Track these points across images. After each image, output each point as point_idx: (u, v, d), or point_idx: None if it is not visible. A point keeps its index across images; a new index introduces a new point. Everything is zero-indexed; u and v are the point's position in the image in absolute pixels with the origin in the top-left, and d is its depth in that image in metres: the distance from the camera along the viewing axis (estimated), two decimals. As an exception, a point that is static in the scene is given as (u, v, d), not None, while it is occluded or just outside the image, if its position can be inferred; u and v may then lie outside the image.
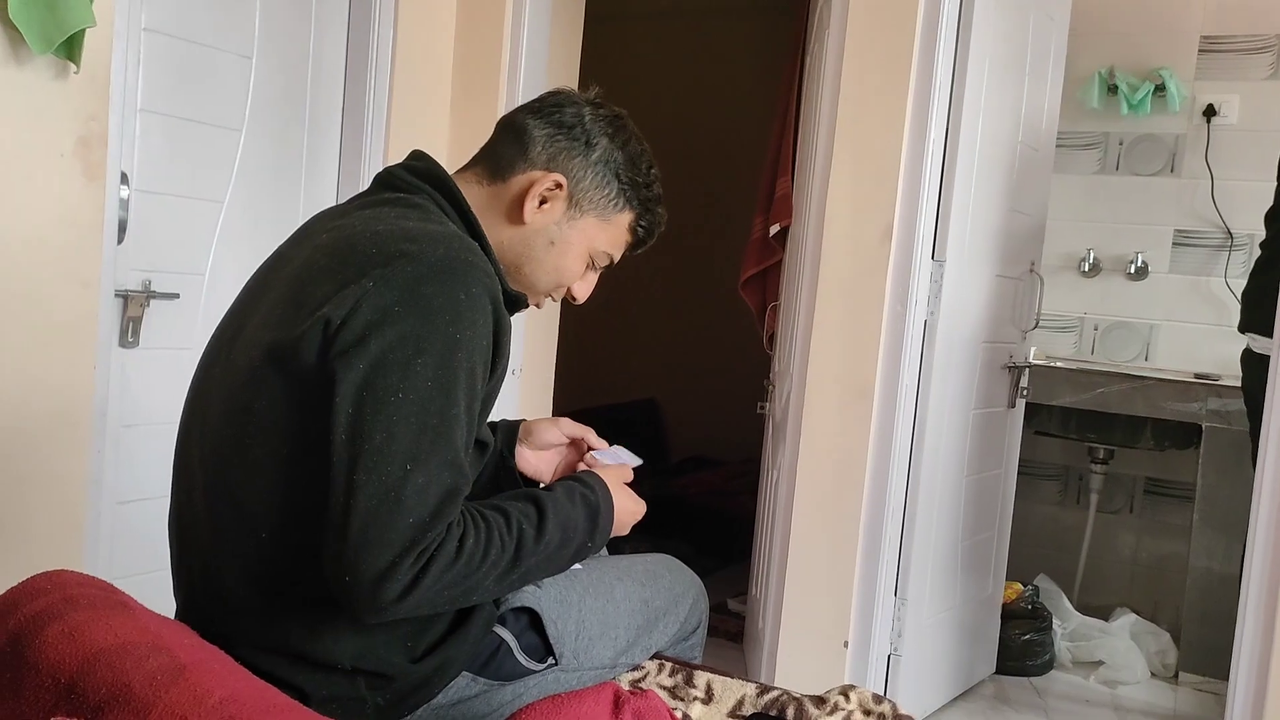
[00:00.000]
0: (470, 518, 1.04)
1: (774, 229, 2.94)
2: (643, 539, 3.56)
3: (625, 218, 1.25)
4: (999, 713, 2.76)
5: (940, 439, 2.50)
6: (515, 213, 1.21)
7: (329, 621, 1.07)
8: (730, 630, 3.09)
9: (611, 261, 1.30)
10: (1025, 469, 3.11)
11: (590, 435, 1.43)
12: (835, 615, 2.44)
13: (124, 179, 1.99)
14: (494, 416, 1.41)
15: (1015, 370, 2.84)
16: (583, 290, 1.30)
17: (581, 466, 1.41)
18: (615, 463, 1.38)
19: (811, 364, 2.46)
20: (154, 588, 1.24)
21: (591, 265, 1.28)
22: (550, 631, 1.25)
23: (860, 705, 1.30)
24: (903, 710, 1.29)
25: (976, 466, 2.72)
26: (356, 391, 0.98)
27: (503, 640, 1.22)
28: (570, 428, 1.43)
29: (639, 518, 1.30)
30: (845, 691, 1.32)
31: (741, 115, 4.49)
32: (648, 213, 1.27)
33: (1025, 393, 2.89)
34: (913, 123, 2.35)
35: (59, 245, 1.80)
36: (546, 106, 1.24)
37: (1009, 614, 3.01)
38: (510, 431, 1.42)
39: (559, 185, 1.20)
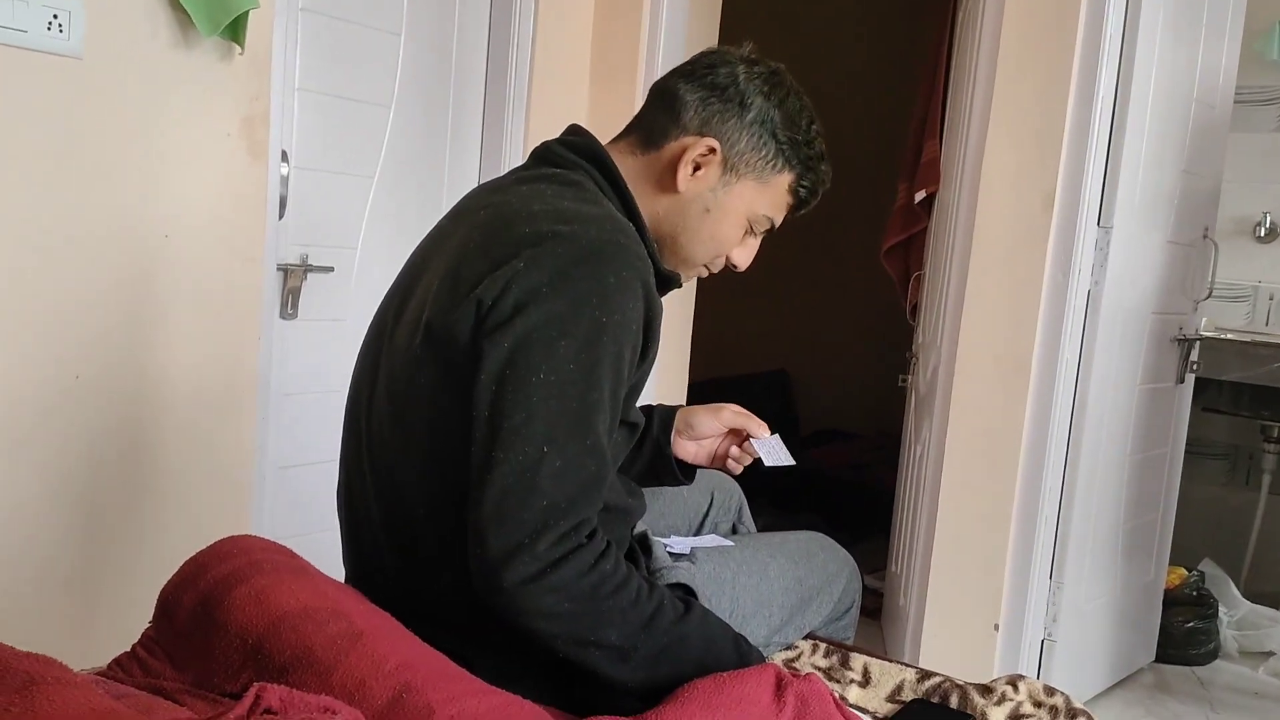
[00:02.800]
0: (615, 551, 1.01)
1: (920, 195, 2.84)
2: (774, 513, 3.55)
3: (785, 179, 1.20)
4: (1159, 703, 2.62)
5: (1102, 416, 2.38)
6: (669, 181, 1.17)
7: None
8: (867, 606, 3.01)
9: (773, 226, 1.24)
10: (1192, 448, 2.93)
11: (752, 424, 1.37)
12: (985, 596, 2.36)
13: (284, 157, 2.06)
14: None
15: (1185, 343, 2.67)
16: (743, 257, 1.25)
17: (735, 453, 1.37)
18: (771, 456, 1.33)
19: (963, 336, 2.36)
20: (316, 550, 1.28)
21: (751, 231, 1.23)
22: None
23: (1030, 696, 1.24)
24: (1076, 703, 1.23)
25: (1140, 445, 2.57)
26: (499, 369, 0.98)
27: (659, 615, 1.21)
28: (731, 418, 1.38)
29: None
30: (1013, 681, 1.26)
31: (883, 77, 4.35)
32: (809, 172, 1.21)
33: (1195, 367, 2.72)
34: (1079, 81, 2.21)
35: (226, 222, 1.87)
36: (699, 69, 1.20)
37: (1172, 600, 2.86)
38: (667, 419, 1.38)
39: (712, 150, 1.16)
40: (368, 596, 1.07)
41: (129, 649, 0.97)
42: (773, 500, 3.82)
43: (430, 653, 0.97)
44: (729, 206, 1.19)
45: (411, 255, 1.21)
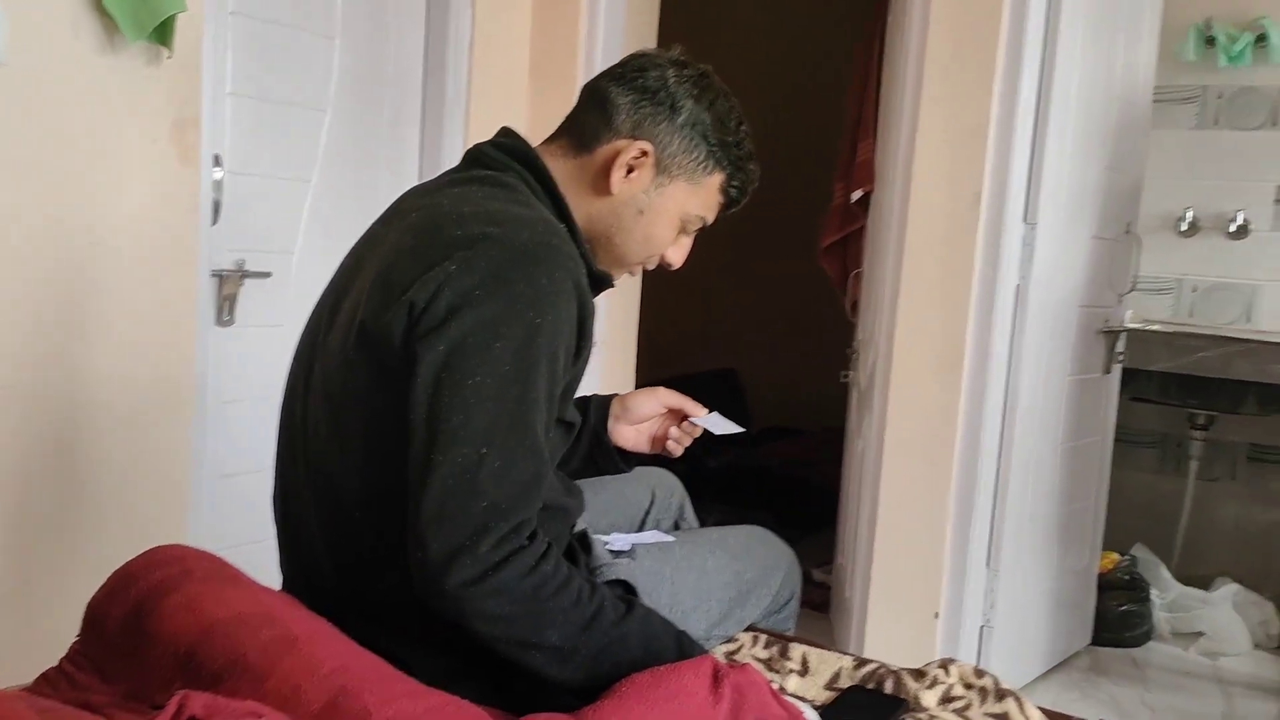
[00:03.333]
0: (556, 552, 1.02)
1: (856, 195, 2.88)
2: (725, 509, 3.58)
3: (716, 179, 1.22)
4: (1095, 685, 2.70)
5: (1034, 406, 2.44)
6: (602, 183, 1.19)
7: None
8: (815, 600, 3.07)
9: (705, 224, 1.26)
10: (1122, 436, 3.01)
11: (689, 404, 1.40)
12: (926, 586, 2.41)
13: (216, 161, 2.04)
14: (578, 390, 1.40)
15: (1111, 335, 2.75)
16: (677, 256, 1.27)
17: (675, 433, 1.40)
18: (718, 428, 1.35)
19: (899, 331, 2.41)
20: (255, 559, 1.27)
21: (684, 230, 1.25)
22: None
23: (961, 679, 1.28)
24: (1005, 683, 1.27)
25: (1071, 434, 2.64)
26: (435, 373, 0.98)
27: (598, 614, 1.22)
28: (669, 397, 1.41)
29: None
30: (945, 665, 1.29)
31: (822, 77, 4.41)
32: (739, 172, 1.23)
33: (1121, 358, 2.80)
34: (1004, 81, 2.27)
35: (157, 228, 1.85)
36: (629, 71, 1.21)
37: (1106, 584, 2.94)
38: (604, 407, 1.40)
39: (645, 153, 1.18)
40: (305, 602, 1.07)
41: (57, 664, 0.96)
42: (723, 497, 3.86)
43: (367, 656, 0.97)
44: (662, 208, 1.21)
45: (345, 258, 1.21)
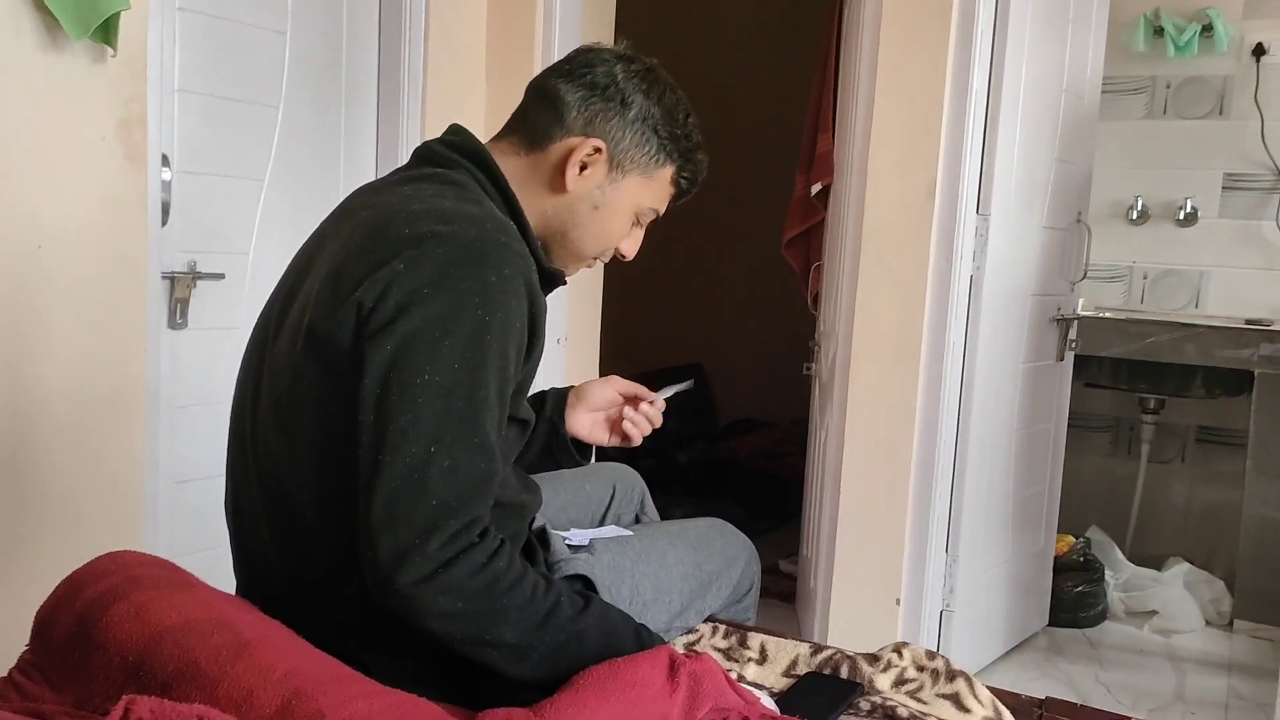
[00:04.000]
0: (509, 549, 1.02)
1: (816, 188, 2.91)
2: (693, 503, 3.59)
3: (667, 171, 1.23)
4: (1052, 665, 2.74)
5: (989, 394, 2.48)
6: (557, 181, 1.19)
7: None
8: (782, 591, 3.10)
9: (657, 215, 1.28)
10: (1075, 421, 3.06)
11: (642, 391, 1.41)
12: (887, 573, 2.44)
13: (165, 161, 2.01)
14: (542, 388, 1.41)
15: (1064, 323, 2.79)
16: (630, 247, 1.28)
17: (629, 414, 1.39)
18: (666, 394, 1.36)
19: (857, 323, 2.43)
20: (213, 565, 1.26)
21: (637, 222, 1.26)
22: (603, 598, 1.25)
23: (914, 661, 1.30)
24: (956, 665, 1.29)
25: (1026, 420, 2.68)
26: (383, 372, 0.98)
27: (557, 608, 1.22)
28: (623, 385, 1.42)
29: None
30: (898, 649, 1.31)
31: (783, 72, 4.42)
32: (689, 163, 1.25)
33: (1074, 345, 2.85)
34: (954, 75, 2.30)
35: (104, 229, 1.82)
36: (577, 68, 1.22)
37: (1061, 567, 2.99)
38: (560, 398, 1.41)
39: (599, 150, 1.18)
40: (260, 606, 1.06)
41: (6, 674, 0.95)
42: (692, 492, 3.88)
43: (322, 658, 0.97)
44: (616, 202, 1.22)
45: (294, 258, 1.20)
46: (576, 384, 1.45)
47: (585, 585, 1.27)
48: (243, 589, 1.17)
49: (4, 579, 1.71)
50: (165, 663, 0.86)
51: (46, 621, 0.93)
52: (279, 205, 2.30)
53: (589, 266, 1.31)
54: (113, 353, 1.85)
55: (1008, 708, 1.24)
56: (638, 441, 1.43)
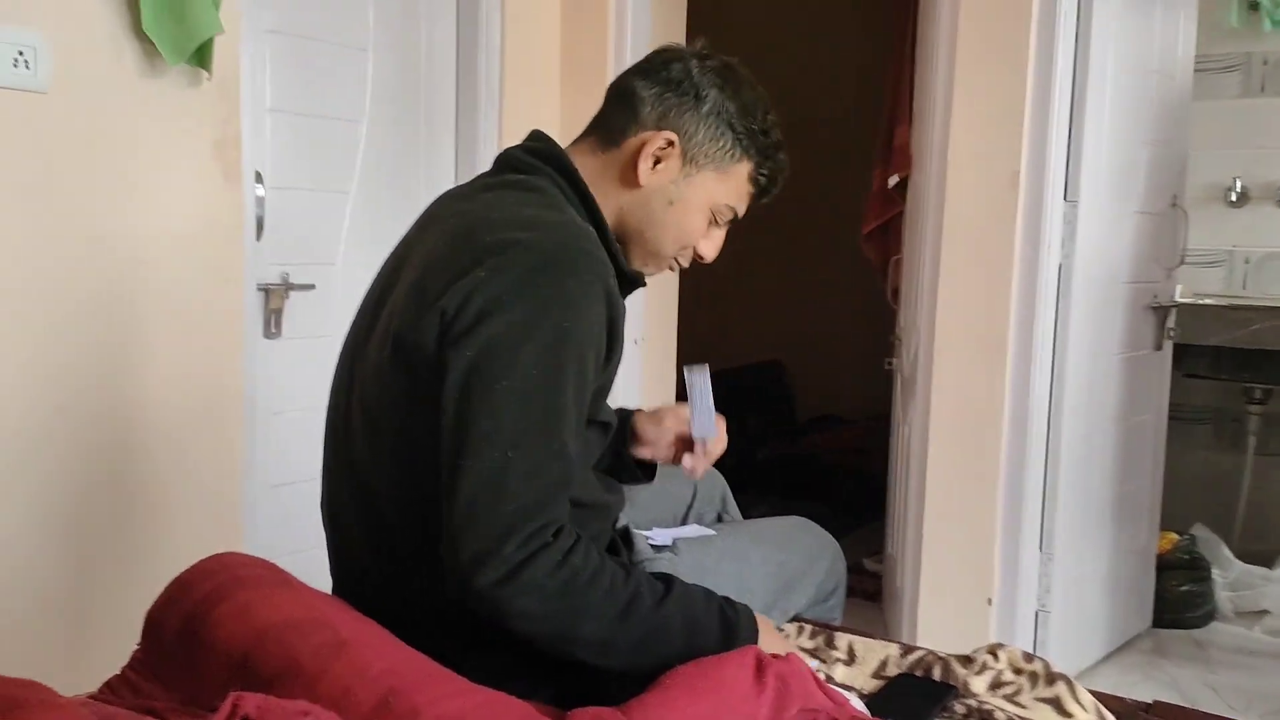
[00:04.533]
0: (585, 545, 1.02)
1: (894, 180, 2.86)
2: (773, 501, 3.57)
3: (744, 168, 1.22)
4: (1157, 667, 2.65)
5: (1082, 386, 2.41)
6: (630, 176, 1.19)
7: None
8: (868, 590, 3.06)
9: (736, 215, 1.26)
10: (1176, 413, 2.95)
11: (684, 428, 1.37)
12: (978, 572, 2.39)
13: (258, 178, 2.08)
14: (619, 387, 1.41)
15: (1161, 310, 2.70)
16: (709, 248, 1.27)
17: (687, 462, 1.35)
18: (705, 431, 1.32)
19: (940, 316, 2.39)
20: (308, 566, 1.31)
21: (715, 221, 1.25)
22: (688, 598, 1.25)
23: (1010, 664, 1.27)
24: (1056, 667, 1.26)
25: (1123, 413, 2.60)
26: (464, 378, 1.00)
27: (643, 607, 1.23)
28: (674, 423, 1.38)
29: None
30: (993, 650, 1.28)
31: (857, 64, 4.37)
32: (767, 160, 1.23)
33: (1173, 334, 2.75)
34: (1037, 58, 2.24)
35: (203, 245, 1.89)
36: (653, 66, 1.22)
37: (1165, 565, 2.89)
38: (625, 422, 1.39)
39: (671, 143, 1.18)
40: (354, 605, 1.09)
41: (120, 671, 0.99)
42: (772, 490, 3.85)
43: (416, 656, 0.99)
44: (691, 198, 1.21)
45: (382, 266, 1.23)
46: (644, 408, 1.44)
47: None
48: (338, 589, 1.21)
49: (116, 581, 1.79)
50: (268, 660, 0.90)
51: (156, 621, 0.98)
52: (364, 217, 2.36)
53: (671, 269, 1.30)
54: (212, 362, 1.92)
55: (1112, 712, 1.20)
56: (697, 478, 1.39)
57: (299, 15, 2.19)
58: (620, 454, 1.38)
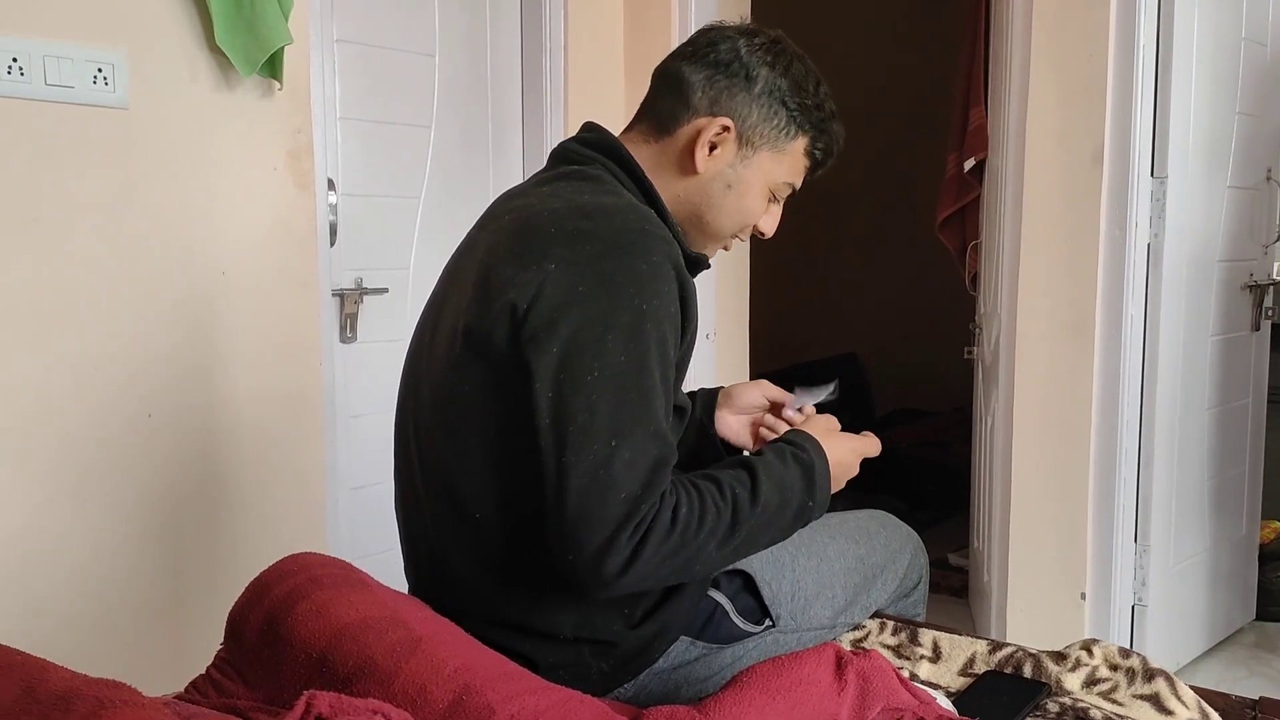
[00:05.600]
0: (681, 487, 1.03)
1: (969, 164, 2.79)
2: (851, 495, 3.51)
3: (800, 144, 1.20)
4: (1262, 661, 2.53)
5: (1175, 370, 2.31)
6: (687, 164, 1.18)
7: (547, 595, 1.09)
8: (954, 585, 2.99)
9: (794, 190, 1.25)
10: (1276, 397, 2.82)
11: (788, 399, 1.37)
12: (1069, 566, 2.31)
13: (331, 185, 2.12)
14: (691, 383, 1.40)
15: (1257, 289, 2.58)
16: (769, 225, 1.26)
17: (769, 420, 1.36)
18: (813, 398, 1.32)
19: (1022, 301, 2.32)
20: (392, 566, 1.32)
21: (773, 198, 1.23)
22: (765, 593, 1.23)
23: (1105, 660, 1.21)
24: (1154, 663, 1.20)
25: (1219, 398, 2.49)
26: (553, 375, 0.99)
27: (718, 603, 1.22)
28: (771, 391, 1.39)
29: (864, 455, 1.23)
30: (1088, 646, 1.23)
31: (930, 48, 4.28)
32: (822, 134, 1.21)
33: (1271, 313, 2.62)
34: (1118, 31, 2.16)
35: (279, 252, 1.93)
36: (700, 48, 1.20)
37: (1268, 555, 2.76)
38: (709, 399, 1.40)
39: (727, 128, 1.16)
40: (431, 604, 1.09)
41: (204, 671, 1.01)
42: (850, 483, 3.78)
43: (490, 654, 0.99)
44: (749, 179, 1.20)
45: (445, 267, 1.24)
46: (725, 385, 1.43)
47: (745, 582, 1.25)
48: (413, 588, 1.22)
49: (205, 582, 1.84)
50: (345, 659, 0.90)
51: (238, 621, 0.99)
52: (434, 220, 2.38)
53: (726, 249, 1.29)
54: (291, 368, 1.96)
55: (1215, 710, 1.14)
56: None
57: (366, 24, 2.22)
58: (706, 431, 1.38)
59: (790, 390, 1.37)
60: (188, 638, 1.80)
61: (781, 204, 1.26)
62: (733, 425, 1.39)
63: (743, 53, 1.17)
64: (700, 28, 1.25)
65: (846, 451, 1.20)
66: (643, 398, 1.00)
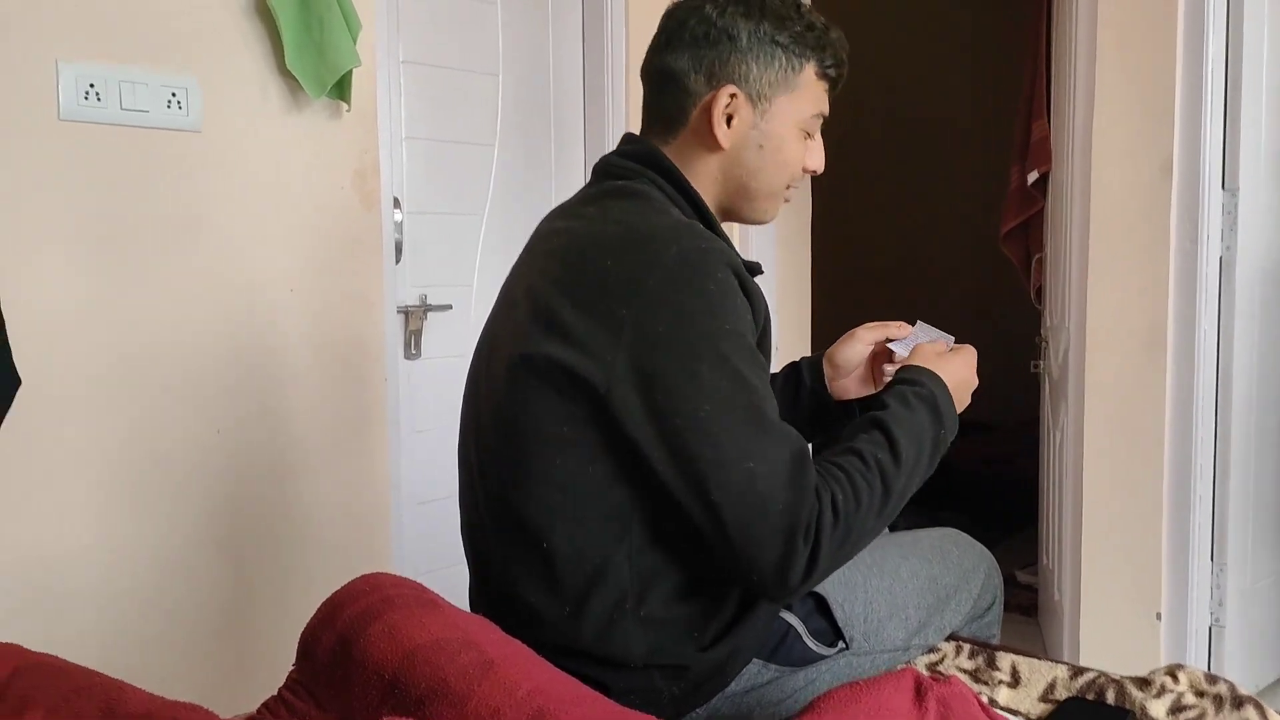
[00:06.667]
0: (830, 476, 1.03)
1: (1033, 176, 2.75)
2: (913, 512, 3.46)
3: (809, 72, 1.17)
4: (1349, 688, 2.44)
5: (1249, 385, 2.25)
6: (712, 144, 1.16)
7: (617, 623, 1.08)
8: (1022, 604, 2.93)
9: (824, 116, 1.22)
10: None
11: (890, 329, 1.36)
12: (1144, 585, 2.25)
13: (396, 203, 2.14)
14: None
15: (1337, 301, 2.49)
16: (816, 161, 1.23)
17: (889, 370, 1.34)
18: (924, 336, 1.31)
19: (1091, 315, 2.27)
20: (457, 582, 1.32)
21: (808, 135, 1.21)
22: (837, 614, 1.21)
23: (1191, 686, 1.18)
24: (1242, 690, 1.16)
25: (1297, 413, 2.41)
26: (665, 422, 1.00)
27: (790, 625, 1.20)
28: (868, 334, 1.36)
29: (972, 368, 1.22)
30: (1172, 671, 1.20)
31: (991, 60, 4.23)
32: (825, 50, 1.18)
33: (1352, 326, 2.53)
34: (1186, 42, 2.11)
35: (345, 270, 1.95)
36: (672, 35, 1.18)
37: (1352, 577, 2.66)
38: (815, 368, 1.38)
39: (733, 95, 1.15)
40: (498, 625, 1.09)
41: (276, 692, 1.02)
42: (911, 499, 3.73)
43: (562, 677, 0.98)
44: (777, 131, 1.18)
45: (501, 288, 1.24)
46: (823, 352, 1.42)
47: (817, 603, 1.23)
48: (482, 609, 1.21)
49: (274, 600, 1.86)
50: (418, 681, 0.90)
51: (311, 641, 1.00)
52: (497, 238, 2.40)
53: (787, 200, 1.26)
54: (357, 384, 1.98)
55: (1306, 737, 1.10)
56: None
57: (431, 45, 2.25)
58: (821, 398, 1.37)
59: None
60: (259, 657, 1.83)
61: (819, 138, 1.24)
62: (849, 387, 1.38)
63: (714, 18, 1.15)
64: (663, 14, 1.21)
65: (960, 367, 1.20)
66: (755, 411, 1.01)
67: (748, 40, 1.15)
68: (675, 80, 1.17)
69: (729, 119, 1.16)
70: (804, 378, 1.38)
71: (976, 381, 1.23)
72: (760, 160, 1.18)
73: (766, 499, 0.98)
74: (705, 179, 1.19)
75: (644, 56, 1.23)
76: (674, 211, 1.14)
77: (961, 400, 1.18)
